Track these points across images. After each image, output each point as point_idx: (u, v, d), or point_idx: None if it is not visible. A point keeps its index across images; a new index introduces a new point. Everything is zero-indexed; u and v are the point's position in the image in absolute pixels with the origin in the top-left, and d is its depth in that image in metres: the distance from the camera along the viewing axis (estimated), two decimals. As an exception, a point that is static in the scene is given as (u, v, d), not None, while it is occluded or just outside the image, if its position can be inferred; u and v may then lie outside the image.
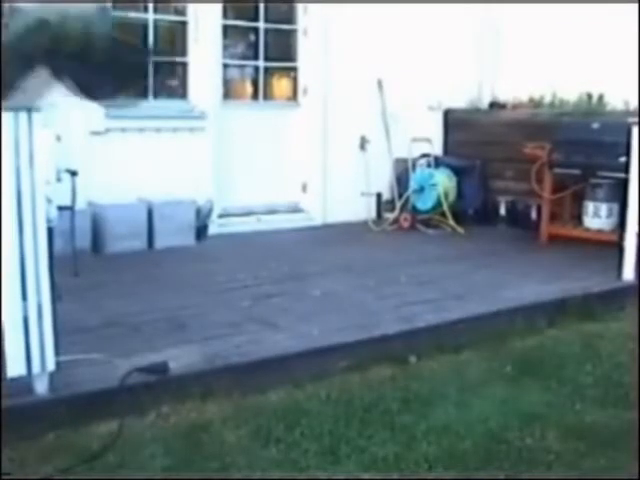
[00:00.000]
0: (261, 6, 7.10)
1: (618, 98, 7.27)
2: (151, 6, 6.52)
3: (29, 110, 2.96)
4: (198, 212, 6.42)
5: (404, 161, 7.54)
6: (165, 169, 6.34)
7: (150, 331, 4.01)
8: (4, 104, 1.70)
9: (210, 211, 6.58)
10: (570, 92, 7.82)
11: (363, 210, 7.42)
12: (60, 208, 3.63)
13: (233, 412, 3.28)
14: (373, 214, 7.60)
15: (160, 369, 3.38)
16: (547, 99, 8.02)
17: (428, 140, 7.66)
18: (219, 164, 6.73)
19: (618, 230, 5.50)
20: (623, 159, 5.31)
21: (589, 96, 7.78)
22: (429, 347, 4.04)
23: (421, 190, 7.38)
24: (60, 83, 1.53)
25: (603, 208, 6.41)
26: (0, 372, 3.03)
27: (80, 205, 5.40)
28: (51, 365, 3.12)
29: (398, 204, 7.45)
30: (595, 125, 6.38)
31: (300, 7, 7.29)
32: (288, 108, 7.27)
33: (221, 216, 6.83)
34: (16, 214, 2.97)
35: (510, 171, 7.51)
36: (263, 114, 7.16)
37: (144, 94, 6.59)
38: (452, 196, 7.48)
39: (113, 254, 5.88)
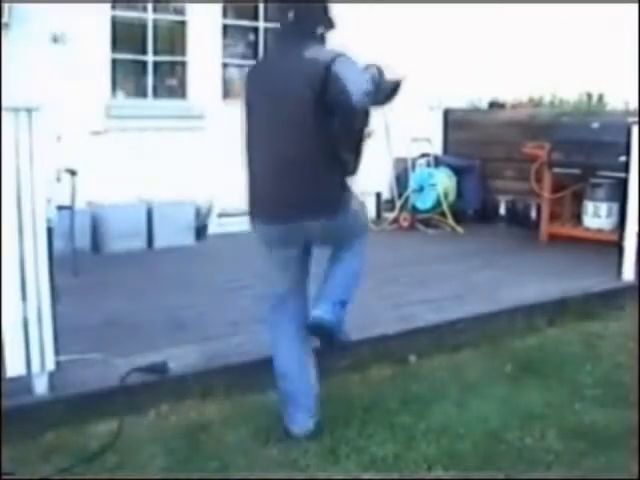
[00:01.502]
0: (261, 6, 7.10)
1: (618, 98, 7.27)
2: (150, 6, 6.53)
3: (29, 110, 2.95)
4: (198, 212, 6.42)
5: (404, 161, 7.54)
6: (165, 169, 6.34)
7: (150, 331, 4.01)
8: None
9: (209, 211, 6.58)
10: (570, 92, 7.83)
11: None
12: (60, 208, 3.63)
13: (233, 412, 3.28)
14: (373, 214, 7.59)
15: (160, 369, 3.38)
16: (547, 99, 8.02)
17: (428, 140, 7.67)
18: (218, 164, 6.71)
19: (618, 230, 5.50)
20: (623, 159, 5.31)
21: (589, 96, 7.79)
22: (429, 347, 4.04)
23: (421, 190, 7.38)
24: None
25: (603, 208, 6.41)
26: (0, 372, 3.03)
27: (80, 205, 5.43)
28: (51, 365, 3.12)
29: (398, 204, 7.45)
30: (595, 125, 6.38)
31: (300, 7, 7.28)
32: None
33: (220, 216, 6.83)
34: (16, 214, 2.97)
35: (510, 171, 7.52)
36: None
37: (144, 94, 6.62)
38: (452, 196, 7.48)
39: (113, 254, 5.88)
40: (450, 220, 7.29)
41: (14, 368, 3.04)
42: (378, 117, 7.81)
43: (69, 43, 5.88)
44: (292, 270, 3.28)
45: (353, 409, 3.32)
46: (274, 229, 3.24)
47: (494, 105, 8.17)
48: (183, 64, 6.78)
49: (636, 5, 6.86)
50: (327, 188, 3.11)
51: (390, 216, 7.46)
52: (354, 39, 7.44)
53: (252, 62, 7.16)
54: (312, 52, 3.09)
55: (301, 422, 3.11)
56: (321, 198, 3.11)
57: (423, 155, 7.63)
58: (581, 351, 4.14)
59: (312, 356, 3.29)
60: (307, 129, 3.05)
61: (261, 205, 3.34)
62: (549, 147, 6.56)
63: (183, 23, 6.73)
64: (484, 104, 8.23)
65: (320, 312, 3.18)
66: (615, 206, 6.11)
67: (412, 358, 3.95)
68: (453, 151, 8.05)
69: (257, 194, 3.37)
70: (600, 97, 7.75)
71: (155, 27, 6.56)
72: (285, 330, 3.23)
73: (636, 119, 5.20)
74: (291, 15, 3.11)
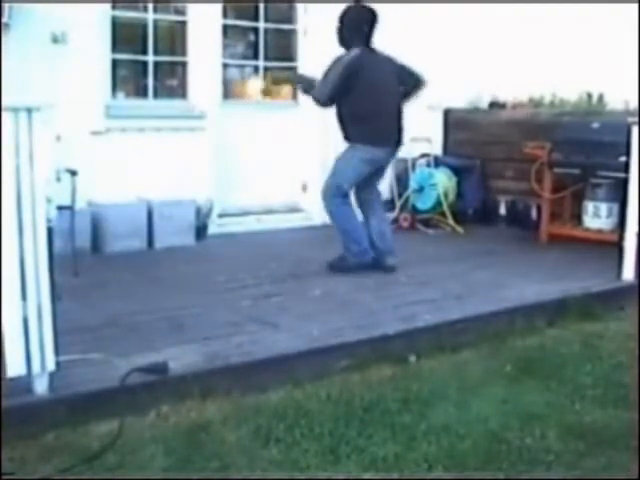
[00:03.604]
0: (261, 6, 7.11)
1: (618, 98, 7.27)
2: (151, 6, 6.53)
3: (29, 110, 2.95)
4: (198, 212, 6.42)
5: (404, 161, 7.54)
6: (165, 169, 6.34)
7: (150, 331, 4.01)
8: None
9: (210, 211, 6.58)
10: (570, 92, 7.83)
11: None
12: (60, 208, 3.63)
13: (233, 412, 3.28)
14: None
15: (160, 369, 3.38)
16: (547, 99, 8.02)
17: (428, 140, 7.67)
18: (219, 164, 6.73)
19: (618, 230, 5.50)
20: (623, 159, 5.31)
21: (589, 96, 7.79)
22: (429, 347, 4.04)
23: (421, 190, 7.38)
24: None
25: (603, 208, 6.41)
26: (0, 372, 3.03)
27: (80, 205, 5.43)
28: (51, 365, 3.12)
29: (398, 204, 7.46)
30: (595, 125, 6.38)
31: (300, 7, 7.30)
32: (288, 108, 7.27)
33: (221, 216, 6.83)
34: (16, 214, 2.96)
35: (510, 171, 7.52)
36: (263, 114, 7.16)
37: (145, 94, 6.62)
38: (452, 196, 7.48)
39: (113, 254, 5.88)
40: (450, 220, 7.29)
41: (14, 368, 3.04)
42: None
43: (69, 43, 5.88)
44: (364, 179, 5.43)
45: (353, 409, 3.32)
46: (381, 151, 5.35)
47: (494, 105, 8.16)
48: (183, 64, 6.78)
49: (636, 5, 6.86)
50: (401, 129, 5.42)
51: (390, 216, 7.45)
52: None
53: (252, 62, 7.28)
54: (383, 54, 5.44)
55: (391, 259, 5.44)
56: (400, 135, 5.41)
57: (423, 155, 7.63)
58: (581, 351, 4.14)
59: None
60: (395, 94, 5.40)
61: (378, 137, 5.30)
62: (549, 147, 6.56)
63: (183, 23, 6.73)
64: (484, 104, 8.22)
65: (392, 262, 5.45)
66: (615, 206, 6.11)
67: (412, 358, 3.95)
68: (453, 151, 8.05)
69: (374, 130, 5.28)
70: (600, 97, 7.75)
71: (155, 27, 6.56)
72: (353, 213, 5.46)
73: (636, 119, 5.20)
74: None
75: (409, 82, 5.47)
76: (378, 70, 5.29)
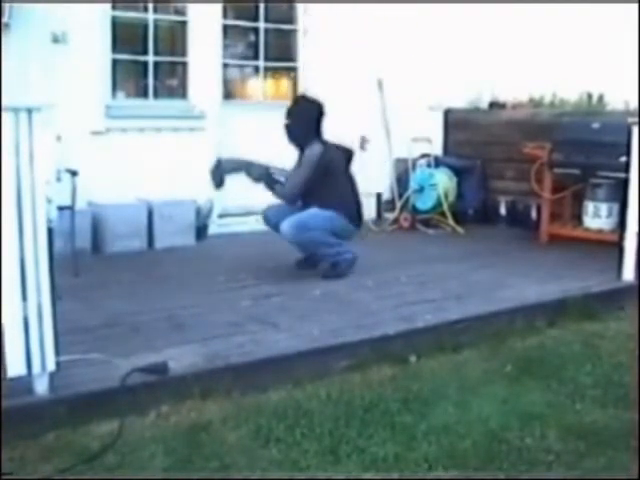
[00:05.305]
0: (261, 6, 7.11)
1: (618, 98, 7.28)
2: (151, 6, 6.53)
3: (29, 110, 2.96)
4: (198, 212, 6.42)
5: (404, 161, 7.54)
6: (165, 169, 6.34)
7: (150, 331, 4.01)
8: None
9: (210, 211, 6.58)
10: (570, 92, 7.84)
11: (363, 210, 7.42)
12: (60, 208, 3.63)
13: (233, 412, 3.28)
14: (373, 214, 7.60)
15: (160, 369, 3.38)
16: (547, 99, 8.03)
17: (428, 140, 7.67)
18: (219, 164, 6.72)
19: (618, 230, 5.50)
20: (623, 159, 5.31)
21: (589, 96, 7.80)
22: (429, 347, 4.04)
23: (421, 190, 7.38)
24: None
25: (603, 208, 6.40)
26: (0, 372, 3.03)
27: (80, 205, 5.43)
28: (51, 365, 3.12)
29: (398, 204, 7.46)
30: (595, 125, 6.37)
31: (300, 7, 7.30)
32: (288, 108, 7.26)
33: (221, 216, 6.83)
34: (16, 214, 2.97)
35: (510, 171, 7.52)
36: (263, 114, 7.16)
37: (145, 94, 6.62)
38: (452, 196, 7.48)
39: (113, 254, 5.88)
40: (450, 220, 7.29)
41: (14, 368, 3.04)
42: (378, 117, 7.91)
43: (69, 43, 5.88)
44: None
45: (353, 409, 3.32)
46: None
47: (494, 105, 8.17)
48: (183, 64, 6.79)
49: (636, 5, 6.86)
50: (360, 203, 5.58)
51: (390, 216, 7.46)
52: (355, 41, 7.48)
53: (252, 62, 7.28)
54: (330, 142, 5.39)
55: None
56: (360, 209, 5.57)
57: (423, 155, 7.63)
58: (581, 351, 4.14)
59: None
60: (351, 175, 5.54)
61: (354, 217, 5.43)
62: (549, 147, 6.56)
63: (183, 23, 6.73)
64: (484, 104, 8.22)
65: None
66: (615, 206, 6.11)
67: (412, 358, 3.95)
68: (453, 151, 8.05)
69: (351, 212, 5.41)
70: (600, 97, 7.76)
71: (155, 27, 6.56)
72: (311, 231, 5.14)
73: (636, 119, 5.20)
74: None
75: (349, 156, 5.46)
76: (339, 160, 5.31)
